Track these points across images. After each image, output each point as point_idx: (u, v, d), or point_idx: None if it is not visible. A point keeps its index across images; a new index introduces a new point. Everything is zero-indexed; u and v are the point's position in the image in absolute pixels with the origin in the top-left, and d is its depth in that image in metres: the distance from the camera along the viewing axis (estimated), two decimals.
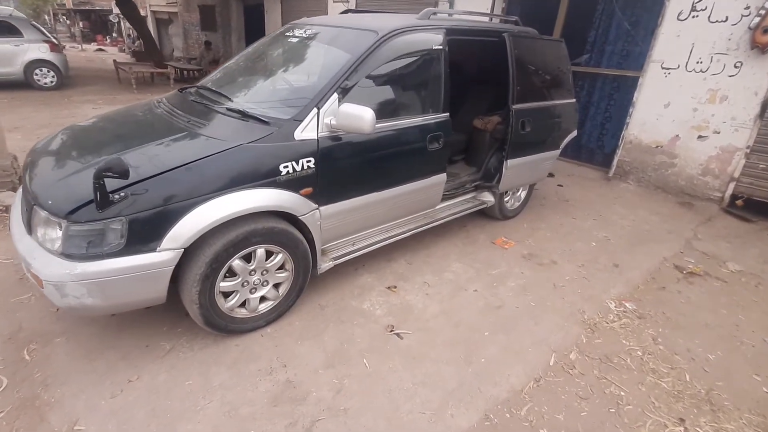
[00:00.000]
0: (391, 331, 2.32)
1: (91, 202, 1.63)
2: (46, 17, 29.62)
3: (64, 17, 30.70)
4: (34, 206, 1.75)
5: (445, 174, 2.86)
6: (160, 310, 2.25)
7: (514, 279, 2.92)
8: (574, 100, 3.76)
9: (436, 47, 2.59)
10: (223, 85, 2.62)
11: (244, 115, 2.14)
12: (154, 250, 1.73)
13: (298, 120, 2.07)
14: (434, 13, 2.70)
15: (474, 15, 3.46)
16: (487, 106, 3.77)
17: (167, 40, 18.71)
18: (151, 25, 18.80)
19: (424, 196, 2.83)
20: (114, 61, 11.38)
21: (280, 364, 2.03)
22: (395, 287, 2.72)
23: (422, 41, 2.54)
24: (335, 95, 2.14)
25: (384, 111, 2.42)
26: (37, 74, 8.65)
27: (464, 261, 3.11)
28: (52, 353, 1.99)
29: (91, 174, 1.59)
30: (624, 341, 2.39)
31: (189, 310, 1.98)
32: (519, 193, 3.89)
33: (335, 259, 2.49)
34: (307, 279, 2.34)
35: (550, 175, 4.53)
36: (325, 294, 2.57)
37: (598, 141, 5.52)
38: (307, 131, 2.08)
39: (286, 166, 2.01)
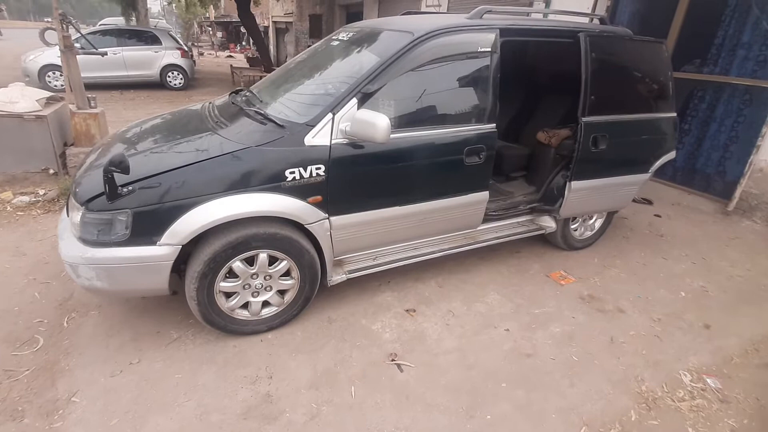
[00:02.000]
0: (393, 360, 2.10)
1: (104, 193, 1.75)
2: (195, 28, 34.95)
3: (209, 28, 35.91)
4: (71, 193, 1.96)
5: (486, 192, 2.53)
6: (182, 301, 2.37)
7: (560, 323, 2.46)
8: (673, 115, 3.06)
9: (484, 49, 2.29)
10: (263, 88, 2.67)
11: (265, 118, 2.14)
12: (154, 243, 1.80)
13: (310, 125, 1.98)
14: (488, 12, 2.40)
15: (556, 14, 3.02)
16: (561, 118, 3.27)
17: (283, 47, 20.64)
18: (271, 34, 20.98)
19: (459, 214, 2.53)
20: (231, 66, 12.86)
21: (266, 375, 1.96)
22: (414, 311, 2.48)
23: (466, 43, 2.27)
24: (354, 100, 2.01)
25: (412, 119, 2.22)
26: (169, 76, 10.20)
27: (504, 293, 2.72)
28: (83, 324, 2.21)
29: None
30: (691, 429, 1.82)
31: (189, 305, 2.03)
32: (592, 221, 3.31)
33: (351, 272, 2.35)
34: (314, 289, 2.25)
35: (648, 202, 3.80)
36: (338, 307, 2.46)
37: (718, 166, 4.47)
38: (320, 137, 1.98)
39: (293, 172, 1.94)
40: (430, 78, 2.24)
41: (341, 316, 2.40)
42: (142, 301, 2.40)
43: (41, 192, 3.49)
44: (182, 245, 1.83)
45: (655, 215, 4.09)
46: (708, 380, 2.09)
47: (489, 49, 2.30)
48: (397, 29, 2.32)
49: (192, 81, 10.91)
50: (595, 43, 2.61)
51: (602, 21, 2.95)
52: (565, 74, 3.23)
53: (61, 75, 9.00)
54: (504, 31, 2.37)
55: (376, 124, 1.85)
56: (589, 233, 3.31)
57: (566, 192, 2.79)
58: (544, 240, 3.30)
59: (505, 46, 2.36)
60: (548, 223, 3.01)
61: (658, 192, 4.61)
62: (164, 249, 1.81)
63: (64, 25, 3.50)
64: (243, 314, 2.14)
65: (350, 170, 2.08)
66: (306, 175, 1.97)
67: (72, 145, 3.77)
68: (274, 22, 21.41)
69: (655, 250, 3.41)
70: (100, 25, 14.77)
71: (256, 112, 2.24)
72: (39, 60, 8.97)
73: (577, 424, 1.82)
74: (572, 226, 3.17)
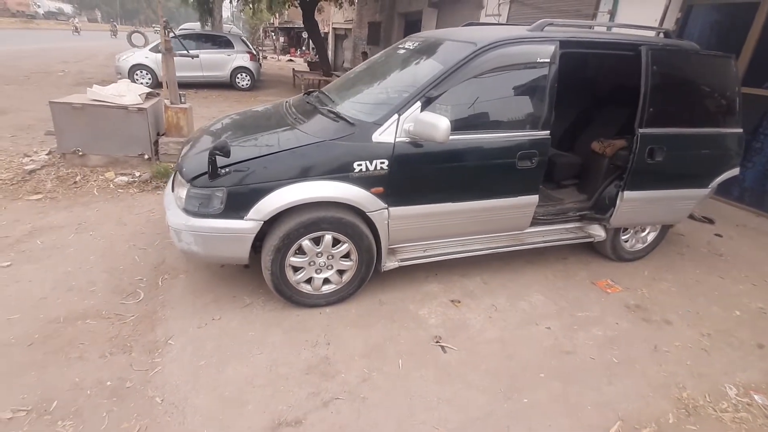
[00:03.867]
0: (437, 342, 2.28)
1: (206, 173, 2.09)
2: (260, 33, 37.13)
3: (272, 33, 38.00)
4: (177, 171, 2.34)
5: (536, 196, 2.65)
6: (252, 273, 2.70)
7: (602, 328, 2.52)
8: (739, 131, 2.99)
9: (542, 60, 2.43)
10: (335, 90, 2.97)
11: (337, 116, 2.42)
12: (242, 218, 2.12)
13: (378, 124, 2.23)
14: (550, 24, 2.54)
15: (619, 27, 3.08)
16: (617, 129, 3.30)
17: (341, 52, 21.47)
18: (330, 40, 21.89)
19: (508, 215, 2.67)
20: (293, 69, 13.63)
21: (325, 341, 2.22)
22: (459, 302, 2.65)
23: (525, 54, 2.42)
24: (418, 103, 2.24)
25: (470, 122, 2.40)
26: (238, 78, 11.02)
27: (548, 295, 2.81)
28: (174, 285, 2.60)
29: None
30: None
31: (264, 274, 2.33)
32: (645, 234, 3.29)
33: (403, 261, 2.57)
34: (369, 272, 2.48)
35: (710, 221, 3.70)
36: (388, 291, 2.68)
37: None
38: (386, 135, 2.23)
39: (360, 164, 2.19)
40: (489, 85, 2.41)
41: (391, 300, 2.61)
42: (220, 270, 2.76)
43: (137, 174, 4.04)
44: (264, 221, 2.14)
45: (715, 234, 3.94)
46: (756, 396, 2.07)
47: (548, 60, 2.44)
48: (461, 40, 2.52)
49: (257, 82, 11.71)
50: (657, 57, 2.65)
51: (666, 35, 2.96)
52: (623, 86, 3.26)
53: (146, 73, 10.08)
54: (564, 43, 2.50)
55: (437, 125, 2.06)
56: (640, 246, 3.29)
57: (618, 201, 2.83)
58: (592, 249, 3.33)
59: (563, 57, 2.48)
60: (598, 232, 3.05)
61: (722, 211, 4.42)
62: (249, 223, 2.13)
63: (167, 31, 4.04)
64: (306, 288, 2.42)
65: (410, 166, 2.30)
66: (371, 167, 2.21)
67: (163, 134, 4.32)
68: (334, 29, 22.31)
69: (711, 269, 3.32)
70: (180, 29, 16.20)
71: (329, 110, 2.53)
72: (130, 60, 10.06)
73: (611, 419, 1.91)
74: (623, 237, 3.18)
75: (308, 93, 3.18)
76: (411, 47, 2.84)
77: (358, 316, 2.45)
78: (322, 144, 2.19)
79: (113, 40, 27.84)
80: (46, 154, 4.30)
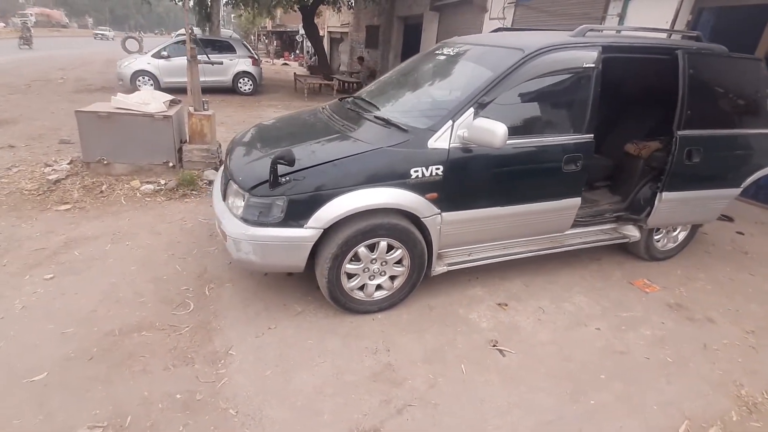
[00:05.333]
0: (494, 345, 2.30)
1: (266, 181, 2.09)
2: (252, 37, 36.98)
3: (264, 37, 37.88)
4: (230, 180, 2.33)
5: (579, 198, 2.69)
6: (298, 280, 2.70)
7: (650, 327, 2.56)
8: None
9: (587, 65, 2.47)
10: (374, 96, 2.98)
11: (387, 123, 2.43)
12: (302, 226, 2.12)
13: (432, 130, 2.25)
14: (590, 30, 2.58)
15: (647, 31, 3.13)
16: (647, 131, 3.35)
17: (337, 56, 21.48)
18: (325, 44, 21.89)
19: (552, 218, 2.70)
20: (294, 73, 13.61)
21: (384, 348, 2.23)
22: (506, 305, 2.67)
23: (571, 59, 2.46)
24: (471, 110, 2.26)
25: (519, 127, 2.43)
26: (240, 83, 10.96)
27: (590, 296, 2.84)
28: (222, 294, 2.59)
29: (269, 161, 2.05)
30: None
31: (319, 282, 2.33)
32: (676, 233, 3.35)
33: (450, 265, 2.59)
34: (420, 277, 2.49)
35: (729, 219, 3.77)
36: (435, 296, 2.69)
37: None
38: (440, 141, 2.24)
39: (417, 171, 2.20)
40: (536, 90, 2.45)
41: (440, 304, 2.63)
42: (264, 279, 2.74)
43: (162, 182, 4.00)
44: (324, 229, 2.14)
45: (737, 232, 4.02)
46: None
47: (593, 65, 2.48)
48: (506, 46, 2.55)
49: (259, 87, 11.67)
50: (693, 60, 2.71)
51: (698, 38, 3.03)
52: (653, 89, 3.33)
53: (149, 80, 9.98)
54: (605, 48, 2.54)
55: (495, 131, 2.08)
56: (671, 245, 3.35)
57: (656, 202, 2.88)
58: (623, 249, 3.38)
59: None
60: (632, 233, 3.10)
61: (739, 210, 4.50)
62: (309, 231, 2.13)
63: (192, 40, 4.02)
64: (359, 295, 2.42)
65: (462, 171, 2.32)
66: (427, 173, 2.23)
67: (186, 142, 4.29)
68: (329, 32, 22.33)
69: (739, 266, 3.38)
70: (177, 35, 16.08)
71: (377, 117, 2.54)
72: (132, 66, 9.97)
73: (678, 418, 1.94)
74: (656, 237, 3.24)
75: (342, 99, 3.19)
76: (451, 53, 2.87)
77: (410, 322, 2.45)
78: (380, 151, 2.20)
79: (104, 46, 27.62)
80: (68, 164, 4.24)
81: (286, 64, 25.56)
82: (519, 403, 1.95)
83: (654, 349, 2.37)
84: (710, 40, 4.24)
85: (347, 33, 18.99)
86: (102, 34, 26.28)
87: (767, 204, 4.57)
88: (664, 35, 3.53)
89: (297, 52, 31.25)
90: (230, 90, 10.92)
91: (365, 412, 1.83)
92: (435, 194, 2.28)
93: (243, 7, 13.65)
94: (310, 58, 23.09)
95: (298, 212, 2.11)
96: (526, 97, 2.44)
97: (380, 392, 1.94)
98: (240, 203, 2.18)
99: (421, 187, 2.24)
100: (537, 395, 2.00)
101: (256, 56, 11.51)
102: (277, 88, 12.96)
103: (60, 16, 60.37)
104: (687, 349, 2.39)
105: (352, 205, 2.11)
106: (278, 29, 33.89)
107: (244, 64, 10.84)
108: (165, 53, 10.16)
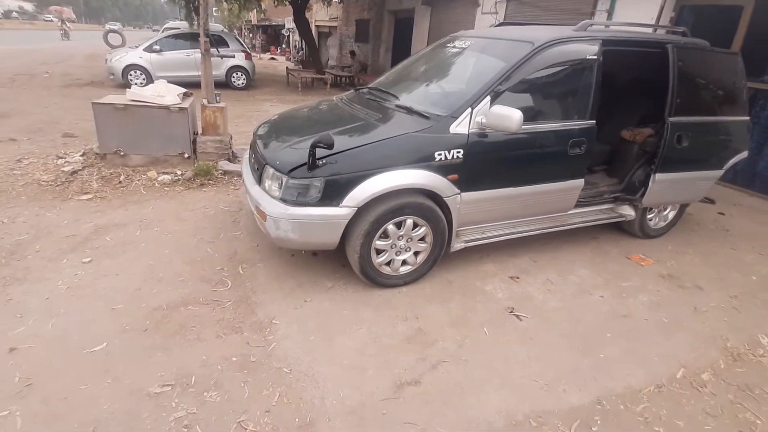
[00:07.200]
0: (511, 312, 2.54)
1: (304, 164, 2.27)
2: (236, 31, 36.51)
3: (248, 31, 37.41)
4: (266, 165, 2.50)
5: (582, 180, 2.94)
6: (323, 260, 2.88)
7: (647, 294, 2.84)
8: (747, 119, 3.38)
9: (590, 57, 2.72)
10: (390, 86, 3.17)
11: (409, 111, 2.63)
12: (337, 205, 2.31)
13: (454, 117, 2.46)
14: (591, 25, 2.82)
15: (639, 26, 3.40)
16: (639, 118, 3.64)
17: (325, 50, 21.43)
18: (314, 37, 21.82)
19: (558, 198, 2.95)
20: (287, 68, 13.64)
21: (413, 316, 2.44)
22: (518, 278, 2.92)
23: (576, 51, 2.70)
24: (488, 98, 2.48)
25: (529, 114, 2.65)
26: (233, 77, 10.96)
27: (592, 269, 3.11)
28: (255, 272, 2.76)
29: (306, 145, 2.23)
30: None
31: (350, 258, 2.53)
32: (666, 213, 3.65)
33: (467, 241, 2.81)
34: (441, 253, 2.71)
35: (711, 201, 4.10)
36: (452, 272, 2.91)
37: None
38: (461, 127, 2.46)
39: (440, 154, 2.41)
40: (544, 79, 2.68)
41: (457, 278, 2.85)
42: (292, 259, 2.92)
43: (179, 172, 4.11)
44: (358, 207, 2.33)
45: (718, 213, 4.36)
46: None
47: (595, 57, 2.73)
48: (515, 39, 2.77)
49: (252, 82, 11.68)
50: (681, 53, 2.99)
51: (684, 34, 3.31)
52: (643, 79, 3.61)
53: (141, 74, 9.91)
54: (605, 42, 2.79)
55: (512, 117, 2.31)
56: (662, 223, 3.65)
57: (650, 183, 3.16)
58: (618, 228, 3.66)
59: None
60: (628, 212, 3.37)
61: (719, 193, 4.85)
62: (344, 210, 2.32)
63: (203, 34, 4.12)
64: (386, 270, 2.62)
65: (480, 154, 2.54)
66: (449, 157, 2.44)
67: (199, 134, 4.40)
68: (317, 26, 22.25)
69: (722, 242, 3.71)
70: (165, 28, 15.86)
71: (398, 106, 2.74)
72: (123, 60, 9.87)
73: (675, 367, 2.21)
74: (649, 216, 3.53)
75: (357, 90, 3.36)
76: (464, 45, 3.07)
77: (433, 294, 2.67)
78: (406, 136, 2.40)
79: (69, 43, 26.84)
80: (80, 155, 4.31)
81: (273, 58, 25.37)
82: (539, 357, 2.19)
83: (652, 312, 2.64)
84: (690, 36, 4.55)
85: (335, 27, 19.00)
86: (65, 31, 25.49)
87: (744, 187, 4.94)
88: (651, 30, 3.81)
89: (284, 46, 30.97)
90: (223, 84, 10.90)
91: (405, 368, 2.05)
92: (456, 176, 2.50)
93: (231, 1, 13.57)
94: (298, 53, 22.99)
95: (334, 192, 2.29)
96: (535, 86, 2.67)
97: (415, 352, 2.16)
98: (276, 186, 2.35)
99: (444, 169, 2.45)
100: (553, 351, 2.25)
101: (248, 50, 11.51)
102: (269, 83, 12.98)
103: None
104: (680, 311, 2.68)
105: (383, 186, 2.31)
106: (263, 23, 33.51)
107: (237, 59, 10.84)
108: (157, 47, 10.10)
